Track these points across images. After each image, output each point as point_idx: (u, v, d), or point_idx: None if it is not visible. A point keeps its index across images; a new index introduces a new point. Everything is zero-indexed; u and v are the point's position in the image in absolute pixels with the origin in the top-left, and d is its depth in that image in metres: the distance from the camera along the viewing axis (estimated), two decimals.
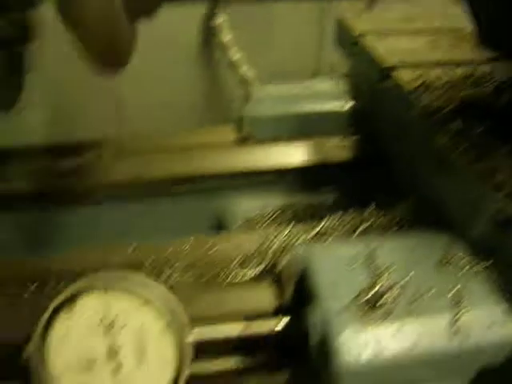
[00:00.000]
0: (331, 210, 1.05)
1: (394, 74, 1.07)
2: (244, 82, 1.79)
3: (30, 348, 0.69)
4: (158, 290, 0.70)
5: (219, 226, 1.16)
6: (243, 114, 1.25)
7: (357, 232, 0.92)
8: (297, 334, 0.75)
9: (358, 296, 0.70)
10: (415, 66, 1.12)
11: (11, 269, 0.84)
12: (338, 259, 0.77)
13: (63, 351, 0.69)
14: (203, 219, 1.16)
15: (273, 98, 1.29)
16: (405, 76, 1.07)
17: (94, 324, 0.69)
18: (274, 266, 0.86)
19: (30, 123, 1.65)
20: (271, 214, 1.18)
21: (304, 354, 0.75)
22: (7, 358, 0.72)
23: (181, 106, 1.83)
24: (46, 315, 0.69)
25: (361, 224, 0.94)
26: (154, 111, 1.82)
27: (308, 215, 1.15)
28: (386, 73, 1.11)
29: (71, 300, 0.69)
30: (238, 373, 0.79)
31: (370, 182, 1.19)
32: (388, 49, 1.19)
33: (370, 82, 1.21)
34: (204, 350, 0.72)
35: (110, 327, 0.70)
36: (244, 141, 1.25)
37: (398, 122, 1.11)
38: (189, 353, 0.69)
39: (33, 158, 1.12)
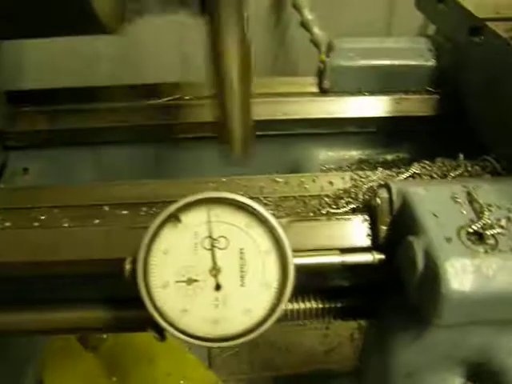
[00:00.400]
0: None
1: (487, 26, 1.04)
2: (316, 42, 1.77)
3: (136, 262, 0.72)
4: (261, 213, 0.71)
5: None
6: (325, 65, 1.24)
7: (449, 177, 0.91)
8: (393, 266, 0.76)
9: (461, 228, 0.70)
10: (508, 19, 1.09)
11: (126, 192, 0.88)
12: (438, 195, 0.77)
13: (166, 266, 0.72)
14: (282, 165, 1.17)
15: (355, 50, 1.28)
16: (498, 29, 1.04)
17: (197, 241, 0.72)
18: (365, 203, 0.86)
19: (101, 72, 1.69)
20: (349, 165, 1.18)
21: (400, 286, 0.76)
22: (116, 272, 0.75)
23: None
24: (151, 230, 0.71)
25: (452, 171, 0.92)
26: None
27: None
28: (478, 26, 1.08)
29: (176, 216, 0.71)
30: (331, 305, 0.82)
31: (451, 138, 1.17)
32: (477, 4, 1.16)
33: (457, 39, 1.18)
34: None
35: (212, 246, 0.72)
36: (325, 92, 1.24)
37: (488, 77, 1.08)
38: (291, 276, 0.70)
39: (121, 96, 1.15)
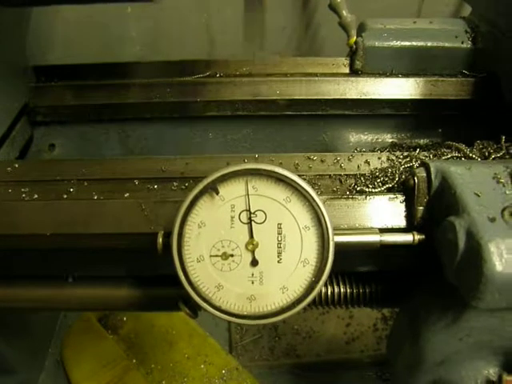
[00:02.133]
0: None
1: None
2: (344, 25, 1.73)
3: (171, 234, 0.69)
4: (302, 186, 0.68)
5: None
6: (357, 45, 1.20)
7: (490, 158, 0.87)
8: (432, 246, 0.73)
9: (505, 209, 0.67)
10: None
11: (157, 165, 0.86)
12: (480, 174, 0.74)
13: (201, 239, 0.69)
14: (312, 147, 1.15)
15: (388, 31, 1.24)
16: None
17: (233, 215, 0.69)
18: (402, 183, 0.83)
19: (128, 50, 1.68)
20: (381, 149, 1.15)
21: (436, 269, 0.73)
22: (147, 246, 0.73)
23: (276, 44, 1.81)
24: (187, 201, 0.69)
25: (494, 153, 0.89)
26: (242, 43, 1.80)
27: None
28: None
29: (214, 187, 0.68)
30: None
31: (487, 123, 1.14)
32: None
33: (495, 20, 1.14)
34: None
35: (250, 220, 0.69)
36: (356, 73, 1.20)
37: None
38: (331, 254, 0.67)
39: (150, 72, 1.13)
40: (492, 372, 0.83)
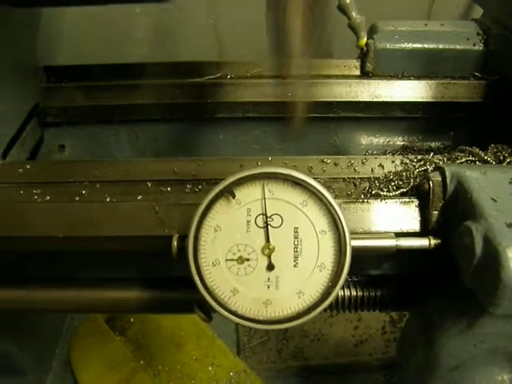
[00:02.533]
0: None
1: None
2: (353, 26, 1.73)
3: (186, 238, 0.69)
4: (319, 190, 0.68)
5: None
6: (368, 47, 1.20)
7: (505, 162, 0.87)
8: (448, 251, 0.73)
9: None
10: None
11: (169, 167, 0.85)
12: (496, 179, 0.73)
13: (217, 243, 0.69)
14: (323, 149, 1.14)
15: (400, 33, 1.23)
16: None
17: (250, 219, 0.69)
18: (417, 187, 0.82)
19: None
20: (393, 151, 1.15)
21: (451, 274, 0.72)
22: (162, 249, 0.72)
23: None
24: (204, 205, 0.68)
25: (508, 156, 0.88)
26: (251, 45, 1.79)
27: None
28: None
29: (230, 191, 0.68)
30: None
31: (499, 127, 1.13)
32: None
33: (507, 22, 1.13)
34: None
35: (266, 224, 0.69)
36: (367, 75, 1.20)
37: None
38: (348, 258, 0.67)
39: (160, 73, 1.13)
40: (506, 378, 0.83)
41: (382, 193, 0.82)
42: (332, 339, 1.49)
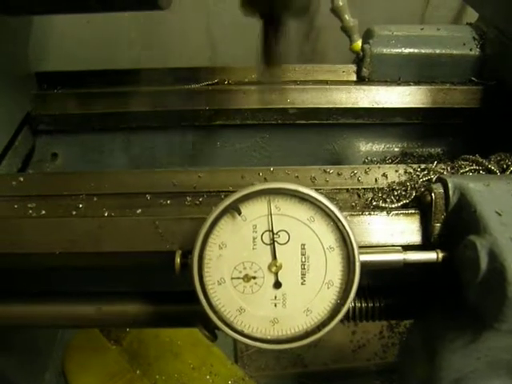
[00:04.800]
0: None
1: None
2: (347, 29, 1.71)
3: (191, 255, 0.67)
4: (327, 205, 0.66)
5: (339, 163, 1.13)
6: (364, 52, 1.19)
7: (508, 171, 0.86)
8: (451, 264, 0.71)
9: None
10: None
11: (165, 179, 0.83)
12: (500, 191, 0.72)
13: (222, 261, 0.67)
14: (322, 156, 1.13)
15: (396, 37, 1.22)
16: None
17: (256, 236, 0.67)
18: (419, 198, 0.81)
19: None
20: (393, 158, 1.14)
21: (454, 287, 0.71)
22: (165, 265, 0.70)
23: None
24: (209, 222, 0.66)
25: (511, 165, 0.87)
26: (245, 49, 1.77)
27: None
28: None
29: (236, 207, 0.66)
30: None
31: (499, 133, 1.12)
32: None
33: (503, 27, 1.12)
34: None
35: (272, 241, 0.67)
36: (363, 80, 1.18)
37: None
38: (357, 274, 0.65)
39: (155, 80, 1.10)
40: None
41: (383, 204, 0.81)
42: (330, 345, 1.48)
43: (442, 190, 0.76)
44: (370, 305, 0.85)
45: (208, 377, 1.39)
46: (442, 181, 0.77)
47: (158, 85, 1.11)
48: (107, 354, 1.41)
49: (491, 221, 0.67)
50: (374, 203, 0.81)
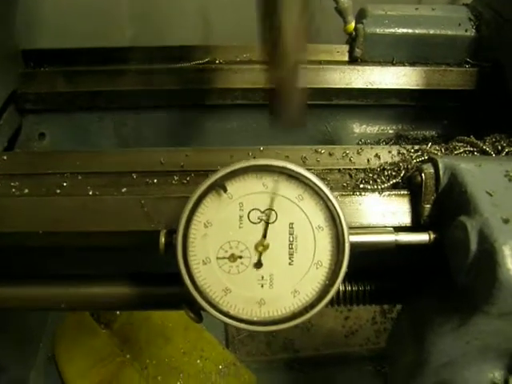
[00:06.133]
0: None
1: None
2: (341, 10, 1.68)
3: (175, 235, 0.65)
4: (316, 183, 0.64)
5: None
6: (357, 32, 1.16)
7: (502, 153, 0.84)
8: (442, 245, 0.70)
9: None
10: None
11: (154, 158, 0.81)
12: (491, 172, 0.69)
13: (208, 240, 0.65)
14: (315, 137, 1.10)
15: (390, 17, 1.19)
16: None
17: (242, 214, 0.65)
18: (409, 178, 0.79)
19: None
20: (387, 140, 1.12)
21: (443, 269, 0.70)
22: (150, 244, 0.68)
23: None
24: (193, 200, 0.64)
25: (507, 147, 0.85)
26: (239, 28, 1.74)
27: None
28: None
29: (221, 185, 0.64)
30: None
31: (494, 115, 1.10)
32: None
33: (500, 7, 1.10)
34: None
35: (259, 220, 0.65)
36: (356, 61, 1.16)
37: None
38: (347, 255, 0.63)
39: (146, 58, 1.08)
40: (497, 375, 0.80)
41: (369, 186, 0.79)
42: (322, 330, 1.47)
43: (432, 170, 0.74)
44: (361, 288, 0.83)
45: (199, 361, 1.37)
46: (432, 161, 0.75)
47: (148, 63, 1.08)
48: (97, 338, 1.40)
49: (482, 201, 0.65)
50: (362, 186, 0.79)
